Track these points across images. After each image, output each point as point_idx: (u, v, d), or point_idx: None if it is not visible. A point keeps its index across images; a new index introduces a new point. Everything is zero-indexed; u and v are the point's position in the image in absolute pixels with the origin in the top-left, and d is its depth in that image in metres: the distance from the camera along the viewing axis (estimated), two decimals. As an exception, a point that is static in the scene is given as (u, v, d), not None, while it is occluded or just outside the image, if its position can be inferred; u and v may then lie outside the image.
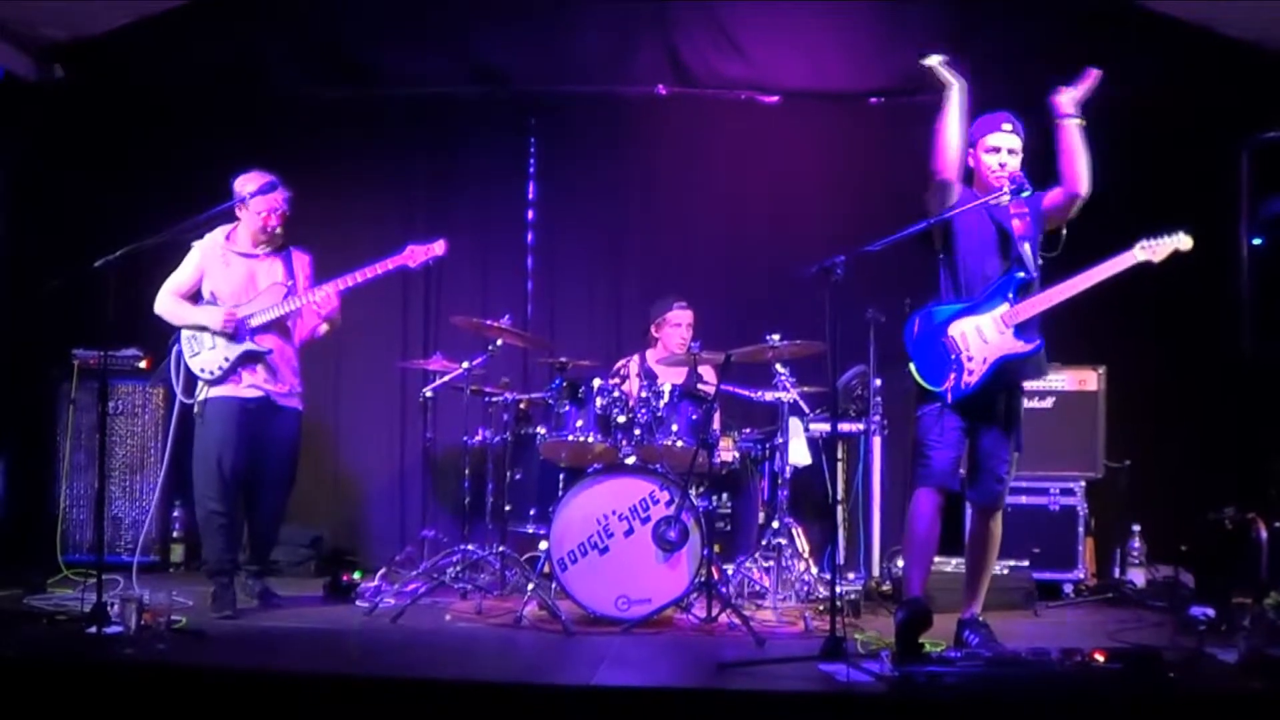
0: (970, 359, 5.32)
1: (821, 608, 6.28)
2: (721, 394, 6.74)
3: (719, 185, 8.57)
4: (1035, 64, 8.05)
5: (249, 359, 6.37)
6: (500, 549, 6.62)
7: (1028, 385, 5.69)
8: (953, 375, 5.35)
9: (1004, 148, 5.41)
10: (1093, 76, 5.40)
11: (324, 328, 6.72)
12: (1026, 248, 5.41)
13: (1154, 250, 5.26)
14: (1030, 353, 5.36)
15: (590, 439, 6.49)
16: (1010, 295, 5.34)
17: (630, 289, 8.55)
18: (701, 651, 5.47)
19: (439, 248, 6.53)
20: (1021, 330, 5.33)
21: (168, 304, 6.43)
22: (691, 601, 6.13)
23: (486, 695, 4.67)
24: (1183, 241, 5.26)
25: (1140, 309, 7.49)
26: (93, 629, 5.34)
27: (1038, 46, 8.05)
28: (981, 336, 5.33)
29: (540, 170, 8.62)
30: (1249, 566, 6.41)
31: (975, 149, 5.48)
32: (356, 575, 7.11)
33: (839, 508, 7.26)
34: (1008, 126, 5.43)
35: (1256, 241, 7.00)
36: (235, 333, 6.33)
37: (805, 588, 6.68)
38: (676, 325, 7.58)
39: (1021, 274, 5.37)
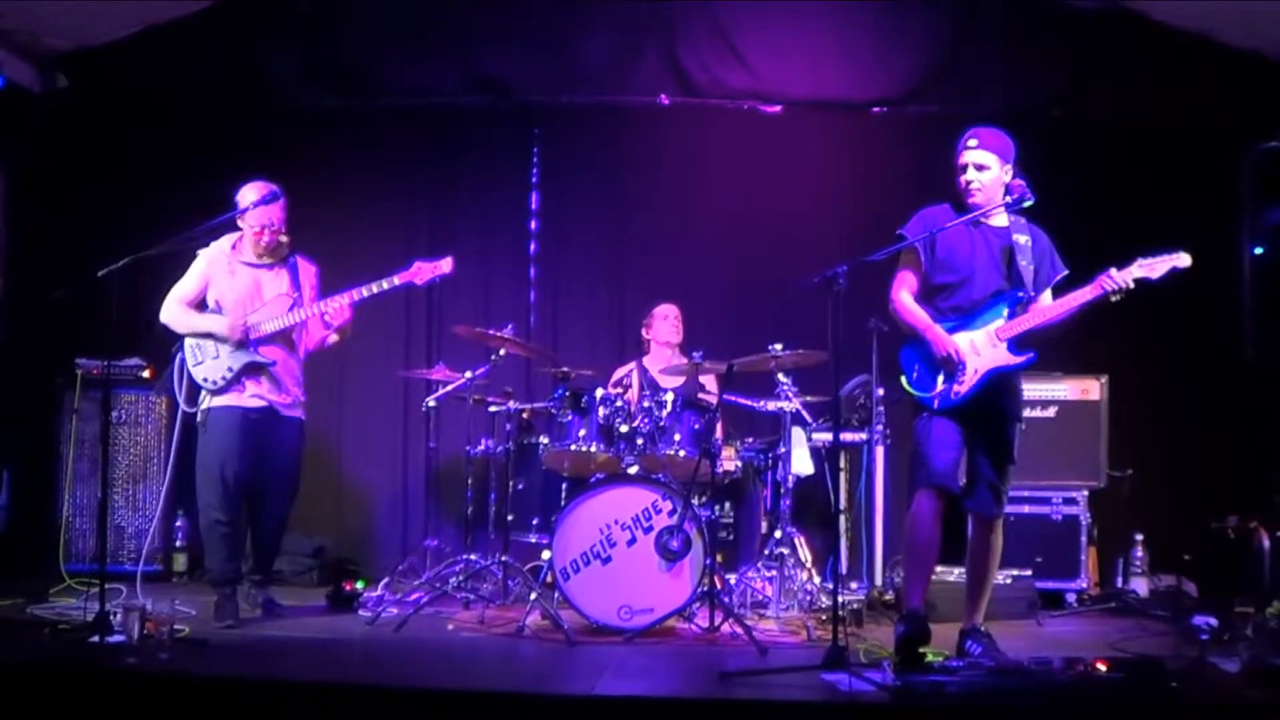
0: (962, 369, 5.34)
1: (824, 617, 6.27)
2: (724, 404, 6.74)
3: (721, 194, 8.57)
4: (1033, 73, 8.10)
5: (252, 369, 6.37)
6: (503, 558, 6.62)
7: (1028, 395, 5.70)
8: (942, 383, 5.37)
9: (971, 163, 5.45)
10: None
11: (333, 338, 6.71)
12: (1025, 265, 5.42)
13: (1152, 268, 5.25)
14: (1022, 364, 5.39)
15: (593, 448, 6.49)
16: (1007, 311, 5.37)
17: (633, 298, 8.54)
18: (704, 661, 5.48)
19: (446, 265, 6.51)
20: (1015, 343, 5.36)
21: (174, 313, 6.42)
22: (694, 611, 6.13)
23: (489, 705, 4.67)
24: (1180, 259, 5.24)
25: (1142, 319, 7.49)
26: (95, 638, 5.34)
27: (1036, 56, 8.07)
28: (975, 350, 5.37)
29: (543, 180, 8.65)
30: (1251, 575, 6.42)
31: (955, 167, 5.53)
32: (359, 585, 7.10)
33: (841, 517, 7.26)
34: (973, 143, 5.46)
35: (1258, 250, 7.00)
36: (243, 340, 6.33)
37: (808, 597, 6.68)
38: (664, 318, 7.72)
39: (1020, 292, 5.40)
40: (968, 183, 5.43)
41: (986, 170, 5.43)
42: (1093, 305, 5.30)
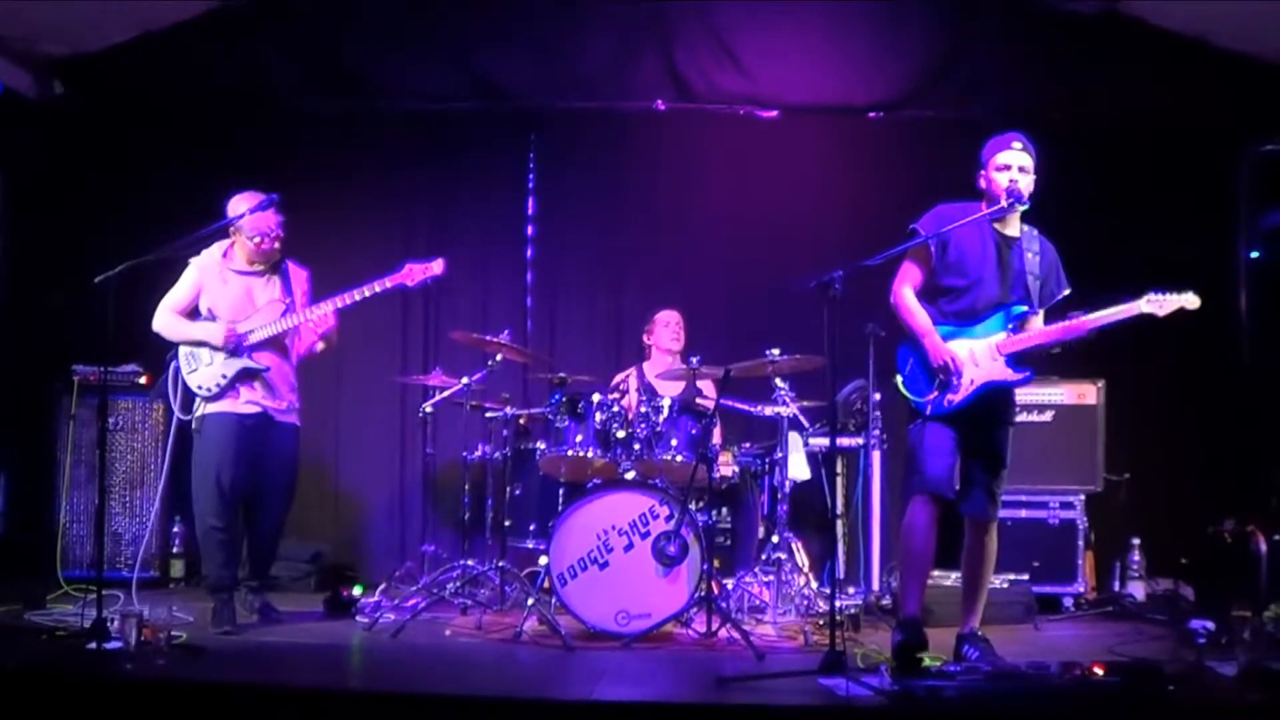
0: (958, 378, 5.33)
1: (821, 622, 6.26)
2: (721, 409, 6.74)
3: (718, 199, 8.57)
4: (1031, 77, 8.11)
5: (246, 376, 6.37)
6: (500, 564, 6.61)
7: (1024, 399, 5.69)
8: (937, 391, 5.37)
9: (1015, 165, 5.38)
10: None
11: (320, 345, 6.71)
12: (1033, 280, 5.41)
13: (1160, 305, 5.22)
14: (1019, 382, 5.39)
15: (590, 454, 6.49)
16: (1010, 326, 5.36)
17: (630, 304, 8.55)
18: (701, 666, 5.47)
19: (437, 267, 6.50)
20: (1014, 359, 5.35)
21: (166, 321, 6.43)
22: (691, 616, 6.13)
23: (486, 710, 4.67)
24: (1189, 300, 5.22)
25: (1139, 322, 7.51)
26: (93, 644, 5.33)
27: (1033, 60, 8.08)
28: (974, 360, 5.36)
29: (540, 185, 8.67)
30: (1248, 579, 6.41)
31: (986, 168, 5.46)
32: (356, 590, 7.10)
33: (838, 522, 7.26)
34: (1018, 145, 5.41)
35: (1254, 254, 7.01)
36: (234, 349, 6.33)
37: (805, 602, 6.67)
38: (665, 324, 7.74)
39: (1024, 307, 5.39)
40: (1012, 182, 5.35)
41: (1027, 173, 5.40)
42: (1095, 333, 5.30)
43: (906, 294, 5.53)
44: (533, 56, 8.37)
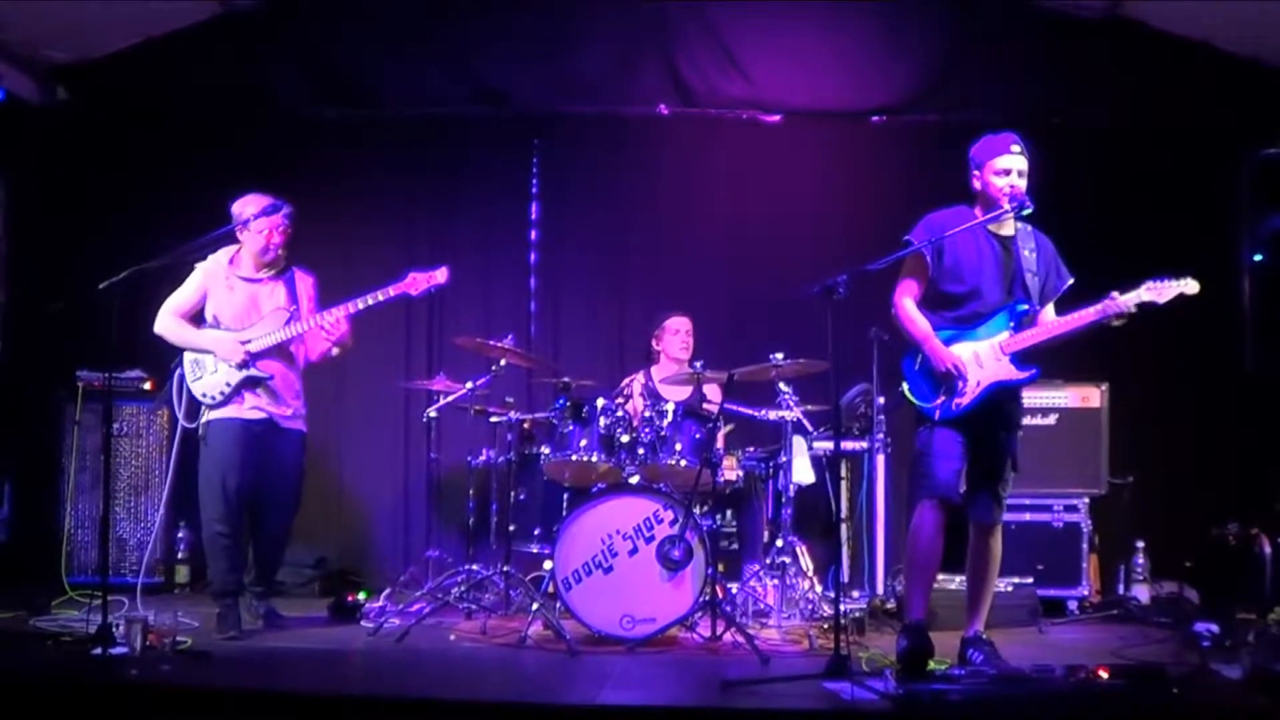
0: (963, 381, 5.33)
1: (826, 626, 6.26)
2: (725, 413, 6.74)
3: (721, 204, 8.58)
4: (1033, 80, 8.12)
5: (250, 383, 6.36)
6: (504, 569, 6.61)
7: (1029, 402, 5.69)
8: (943, 395, 5.37)
9: (1014, 169, 5.37)
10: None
11: (335, 350, 6.69)
12: (1031, 278, 5.41)
13: (1159, 292, 5.22)
14: (1025, 380, 5.38)
15: (594, 458, 6.49)
16: (1012, 325, 5.36)
17: (633, 308, 8.55)
18: (706, 670, 5.48)
19: (441, 275, 6.47)
20: (1019, 358, 5.35)
21: (169, 324, 6.43)
22: (696, 620, 6.13)
23: (491, 715, 4.68)
24: (1189, 286, 5.22)
25: (1142, 325, 7.51)
26: (98, 650, 5.35)
27: (1035, 63, 8.08)
28: (978, 362, 5.35)
29: (543, 190, 8.66)
30: (1253, 582, 6.41)
31: (982, 171, 5.44)
32: (361, 596, 7.10)
33: (843, 526, 7.25)
34: (1016, 148, 5.40)
35: (1258, 258, 7.00)
36: (244, 363, 6.33)
37: (809, 606, 6.67)
38: (675, 332, 7.68)
39: (1025, 306, 5.39)
40: (1011, 187, 5.35)
41: (1024, 177, 5.39)
42: (1096, 325, 5.30)
43: (906, 304, 5.53)
44: (535, 62, 8.38)
